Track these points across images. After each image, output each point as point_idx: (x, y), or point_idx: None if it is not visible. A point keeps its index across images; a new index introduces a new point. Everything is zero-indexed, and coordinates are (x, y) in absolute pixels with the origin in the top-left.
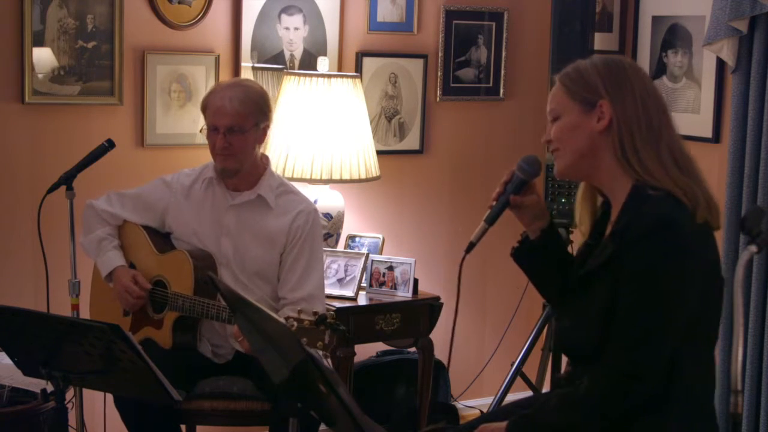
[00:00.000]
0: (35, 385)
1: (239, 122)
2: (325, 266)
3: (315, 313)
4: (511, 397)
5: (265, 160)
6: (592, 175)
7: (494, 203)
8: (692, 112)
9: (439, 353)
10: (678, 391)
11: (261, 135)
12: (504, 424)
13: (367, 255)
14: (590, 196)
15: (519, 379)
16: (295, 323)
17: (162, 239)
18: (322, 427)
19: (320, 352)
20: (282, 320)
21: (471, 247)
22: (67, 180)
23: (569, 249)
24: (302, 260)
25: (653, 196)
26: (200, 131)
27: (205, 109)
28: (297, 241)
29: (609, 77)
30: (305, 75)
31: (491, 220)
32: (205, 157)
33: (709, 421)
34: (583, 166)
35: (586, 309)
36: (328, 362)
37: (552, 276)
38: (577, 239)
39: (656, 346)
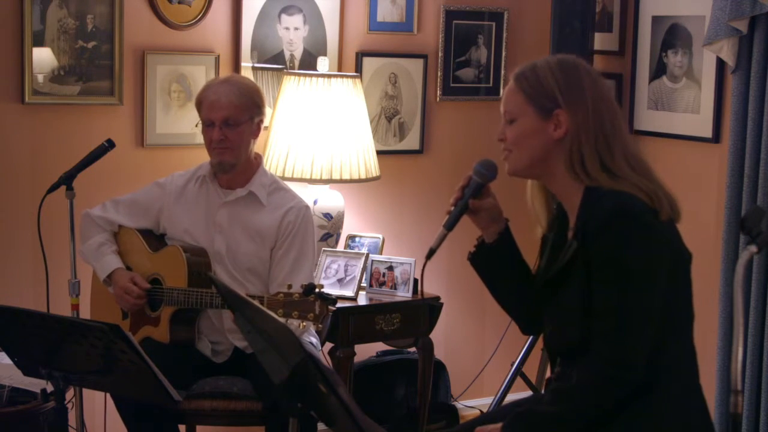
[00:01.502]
0: (35, 385)
1: (234, 115)
2: (324, 266)
3: (303, 285)
4: (511, 397)
5: (258, 158)
6: (543, 178)
7: (453, 208)
8: (692, 112)
9: (439, 353)
10: (663, 372)
11: (255, 129)
12: (500, 425)
13: (367, 255)
14: (542, 189)
15: (519, 379)
16: (283, 296)
17: (156, 239)
18: (322, 426)
19: (312, 324)
20: (282, 320)
21: (431, 253)
22: (67, 180)
23: None
24: (291, 256)
25: (607, 193)
26: (195, 126)
27: (199, 105)
28: (287, 236)
29: (565, 83)
30: (305, 75)
31: (450, 226)
32: (205, 158)
33: (697, 399)
34: (536, 169)
35: (563, 310)
36: (327, 360)
37: (508, 281)
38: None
39: (637, 331)
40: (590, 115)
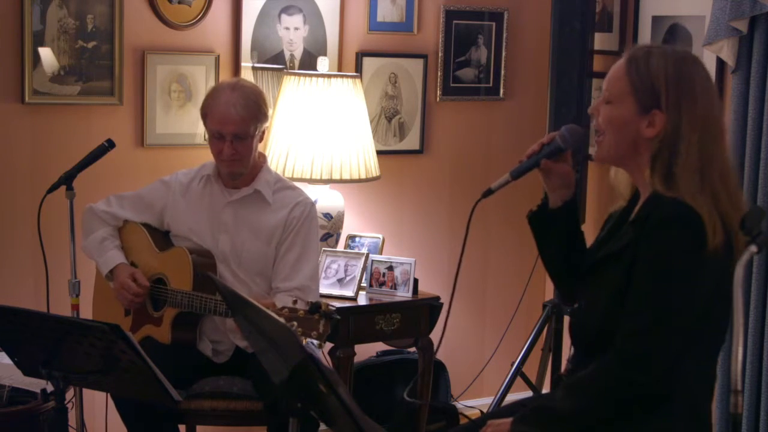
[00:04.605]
0: (35, 385)
1: (244, 129)
2: (324, 266)
3: (309, 303)
4: (511, 397)
5: (262, 157)
6: (628, 168)
7: (525, 159)
8: None
9: (440, 353)
10: (679, 389)
11: (261, 135)
12: (510, 419)
13: (367, 255)
14: None
15: (519, 379)
16: (288, 312)
17: (163, 237)
18: (322, 427)
19: (315, 342)
20: (282, 320)
21: (488, 193)
22: (67, 180)
23: None
24: (295, 250)
25: (676, 198)
26: (204, 139)
27: (205, 116)
28: (291, 232)
29: (676, 87)
30: (305, 75)
31: (516, 174)
32: (205, 158)
33: (703, 422)
34: (623, 160)
35: (598, 291)
36: (327, 360)
37: (559, 249)
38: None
39: (665, 338)
40: (691, 127)
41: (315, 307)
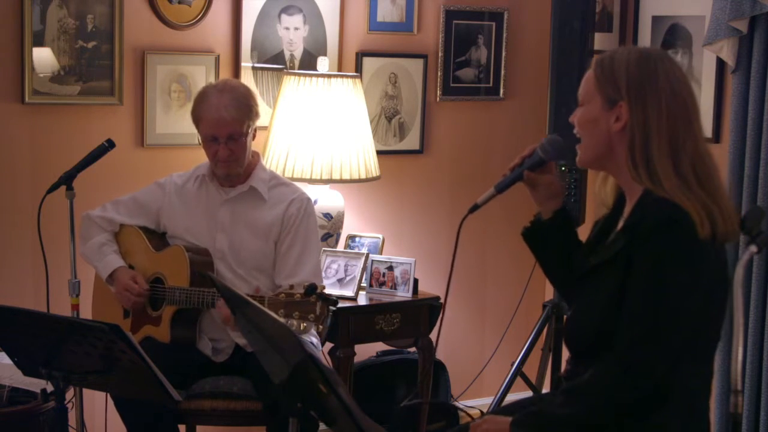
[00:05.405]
0: (35, 385)
1: (238, 129)
2: (324, 266)
3: (304, 285)
4: (511, 397)
5: (256, 155)
6: (610, 170)
7: (508, 173)
8: None
9: (440, 353)
10: (677, 389)
11: (253, 133)
12: (509, 419)
13: (367, 255)
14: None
15: (519, 379)
16: (285, 296)
17: (159, 238)
18: (322, 427)
19: (313, 325)
20: (282, 320)
21: (474, 208)
22: (67, 180)
23: None
24: (296, 247)
25: (664, 200)
26: (198, 143)
27: (198, 121)
28: (290, 229)
29: (636, 78)
30: (305, 75)
31: (500, 188)
32: (204, 158)
33: (702, 421)
34: (601, 159)
35: (591, 298)
36: (327, 360)
37: (559, 259)
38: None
39: (662, 342)
40: (660, 114)
41: (311, 289)
